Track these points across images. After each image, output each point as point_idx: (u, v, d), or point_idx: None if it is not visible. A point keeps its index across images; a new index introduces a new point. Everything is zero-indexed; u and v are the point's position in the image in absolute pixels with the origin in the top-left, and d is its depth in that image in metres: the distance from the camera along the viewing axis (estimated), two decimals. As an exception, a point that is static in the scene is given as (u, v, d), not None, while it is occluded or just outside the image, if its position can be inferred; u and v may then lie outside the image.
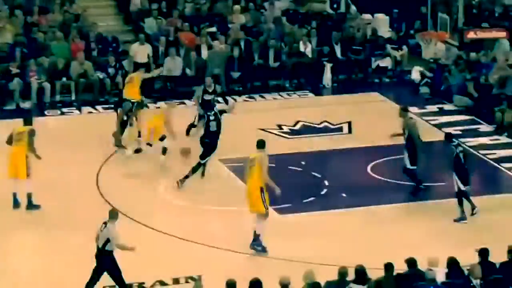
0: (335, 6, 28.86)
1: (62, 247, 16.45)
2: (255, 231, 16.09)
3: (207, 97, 20.90)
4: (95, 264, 14.30)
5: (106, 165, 20.27)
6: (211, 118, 19.25)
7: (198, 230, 17.06)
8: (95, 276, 14.32)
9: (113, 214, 14.46)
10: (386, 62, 26.69)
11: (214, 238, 16.70)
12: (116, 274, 14.32)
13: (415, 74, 25.47)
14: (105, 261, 14.22)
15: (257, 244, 16.09)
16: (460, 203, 17.33)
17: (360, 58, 26.67)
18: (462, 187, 17.27)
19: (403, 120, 18.64)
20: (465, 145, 21.47)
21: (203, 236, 16.77)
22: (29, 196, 17.89)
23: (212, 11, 27.64)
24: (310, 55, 26.47)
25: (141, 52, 25.21)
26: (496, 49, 25.40)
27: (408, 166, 18.44)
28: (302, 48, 26.46)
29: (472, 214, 17.44)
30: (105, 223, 14.34)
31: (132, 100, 20.76)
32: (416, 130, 18.56)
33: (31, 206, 17.90)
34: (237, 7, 27.64)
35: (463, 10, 24.01)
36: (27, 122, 18.33)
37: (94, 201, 18.34)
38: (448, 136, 17.93)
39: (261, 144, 16.48)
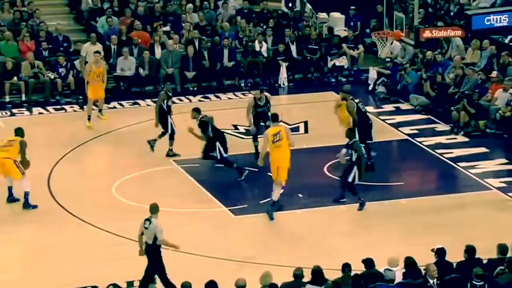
0: (290, 4, 28.67)
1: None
2: (273, 200, 17.08)
3: (260, 109, 20.31)
4: (147, 262, 14.13)
5: (58, 166, 19.91)
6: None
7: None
8: (148, 274, 14.13)
9: (154, 209, 14.20)
10: (342, 61, 26.54)
11: (168, 240, 16.35)
12: (159, 270, 14.12)
13: (372, 73, 25.35)
14: (156, 256, 14.02)
15: (273, 209, 17.06)
16: (354, 194, 17.69)
17: (316, 57, 26.49)
18: (356, 181, 17.60)
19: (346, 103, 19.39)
20: (422, 144, 21.44)
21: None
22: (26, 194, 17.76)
23: (165, 10, 27.28)
24: (265, 54, 26.24)
25: (92, 51, 24.74)
26: (451, 48, 25.37)
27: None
28: (257, 47, 26.23)
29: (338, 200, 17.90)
30: (147, 219, 14.09)
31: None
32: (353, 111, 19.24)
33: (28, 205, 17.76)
34: (190, 5, 27.31)
35: (418, 9, 23.93)
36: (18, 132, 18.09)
37: (44, 202, 17.99)
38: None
39: (275, 118, 17.46)
